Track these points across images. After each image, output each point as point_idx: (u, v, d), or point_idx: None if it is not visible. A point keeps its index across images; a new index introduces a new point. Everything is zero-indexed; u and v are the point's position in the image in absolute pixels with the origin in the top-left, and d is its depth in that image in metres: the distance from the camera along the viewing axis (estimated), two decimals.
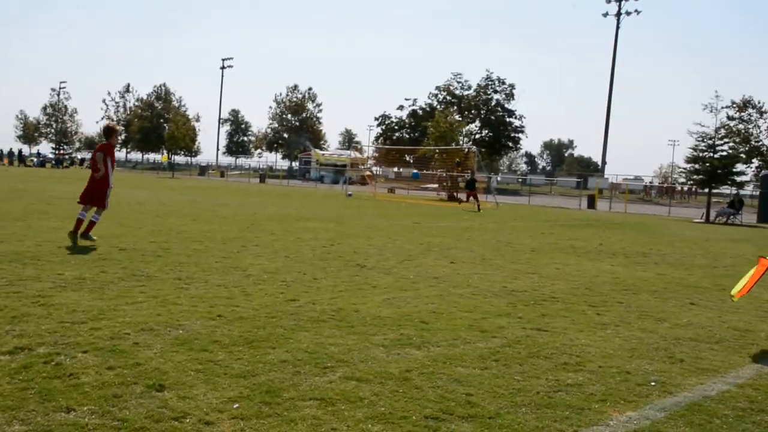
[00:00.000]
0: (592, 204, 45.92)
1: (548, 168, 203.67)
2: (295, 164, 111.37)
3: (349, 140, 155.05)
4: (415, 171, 34.86)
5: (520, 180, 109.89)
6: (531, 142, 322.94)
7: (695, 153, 36.37)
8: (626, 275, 12.38)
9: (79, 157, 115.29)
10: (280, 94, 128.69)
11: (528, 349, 6.70)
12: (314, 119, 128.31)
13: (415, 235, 18.14)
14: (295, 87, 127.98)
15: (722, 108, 68.64)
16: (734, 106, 75.68)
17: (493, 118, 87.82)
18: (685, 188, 74.59)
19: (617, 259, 14.95)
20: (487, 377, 5.71)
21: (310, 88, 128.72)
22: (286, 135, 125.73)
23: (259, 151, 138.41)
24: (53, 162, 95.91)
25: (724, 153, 36.63)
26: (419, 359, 6.12)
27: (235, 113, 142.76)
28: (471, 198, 34.63)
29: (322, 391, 5.12)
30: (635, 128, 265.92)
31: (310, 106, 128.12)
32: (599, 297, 9.94)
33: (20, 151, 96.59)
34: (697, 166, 36.45)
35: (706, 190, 38.49)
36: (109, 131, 13.64)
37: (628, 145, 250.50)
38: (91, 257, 10.90)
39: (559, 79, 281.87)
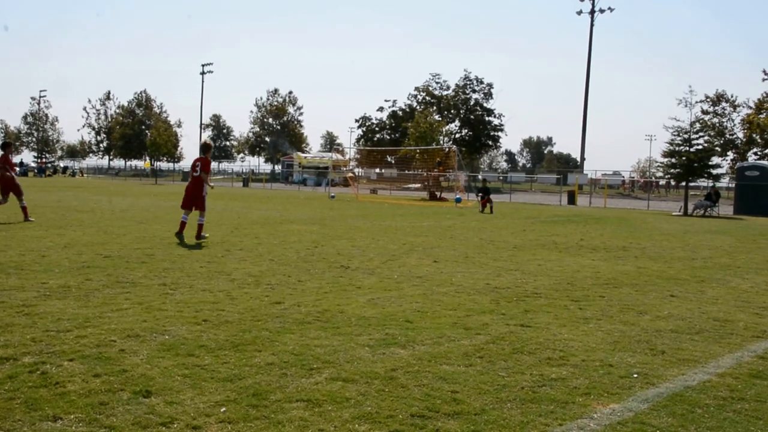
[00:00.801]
0: (572, 200, 46.09)
1: (528, 165, 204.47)
2: (278, 167, 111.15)
3: (330, 142, 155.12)
4: (458, 196, 34.11)
5: (501, 178, 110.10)
6: (510, 140, 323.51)
7: (671, 147, 36.59)
8: (607, 269, 12.48)
9: (61, 165, 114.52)
10: (261, 99, 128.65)
11: (512, 345, 6.76)
12: (295, 122, 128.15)
13: (398, 235, 18.18)
14: (276, 91, 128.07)
15: (696, 102, 69.53)
16: (708, 100, 76.42)
17: (472, 117, 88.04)
18: (662, 182, 75.19)
19: (598, 253, 15.06)
20: (472, 374, 5.77)
21: (290, 92, 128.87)
22: (267, 139, 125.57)
23: (241, 155, 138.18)
24: (36, 171, 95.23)
25: (700, 146, 36.85)
26: (404, 358, 6.17)
27: (216, 118, 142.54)
28: (486, 204, 32.90)
29: (309, 393, 5.16)
30: (612, 124, 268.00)
31: (290, 109, 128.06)
32: (581, 292, 10.03)
33: None
34: (673, 160, 36.68)
35: (684, 184, 38.76)
36: (207, 147, 15.98)
37: (606, 140, 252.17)
38: (76, 265, 10.88)
39: (536, 77, 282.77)
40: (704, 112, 74.76)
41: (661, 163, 38.69)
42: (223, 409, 4.77)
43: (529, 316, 8.23)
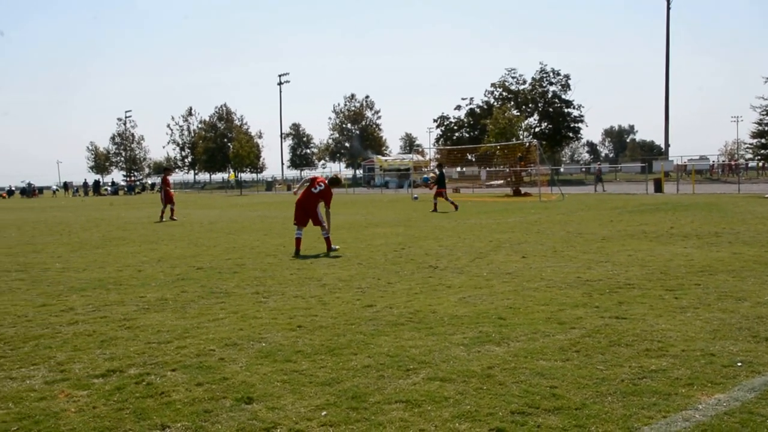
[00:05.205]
0: (659, 188, 45.05)
1: (611, 155, 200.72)
2: (359, 172, 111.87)
3: (410, 144, 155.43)
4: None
5: (584, 169, 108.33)
6: (591, 131, 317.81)
7: (761, 127, 35.33)
8: (701, 257, 12.16)
9: (149, 182, 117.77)
10: (338, 105, 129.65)
11: (608, 338, 6.66)
12: (374, 126, 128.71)
13: (484, 232, 18.10)
14: (353, 96, 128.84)
15: None
16: None
17: (551, 110, 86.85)
18: (751, 164, 72.70)
19: (690, 241, 14.69)
20: (569, 369, 5.70)
21: (367, 96, 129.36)
22: (347, 144, 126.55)
23: (322, 162, 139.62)
24: (125, 189, 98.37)
25: None
26: (500, 355, 6.14)
27: (296, 127, 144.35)
28: (438, 196, 29.34)
29: (407, 393, 5.18)
30: (696, 107, 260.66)
31: (368, 113, 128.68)
32: (675, 280, 9.80)
33: (96, 181, 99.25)
34: (763, 140, 35.42)
35: None
36: (336, 181, 16.39)
37: (690, 124, 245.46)
38: (171, 279, 11.18)
39: (614, 65, 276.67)
40: None
41: (750, 144, 37.41)
42: (324, 413, 4.83)
43: (623, 307, 8.09)
